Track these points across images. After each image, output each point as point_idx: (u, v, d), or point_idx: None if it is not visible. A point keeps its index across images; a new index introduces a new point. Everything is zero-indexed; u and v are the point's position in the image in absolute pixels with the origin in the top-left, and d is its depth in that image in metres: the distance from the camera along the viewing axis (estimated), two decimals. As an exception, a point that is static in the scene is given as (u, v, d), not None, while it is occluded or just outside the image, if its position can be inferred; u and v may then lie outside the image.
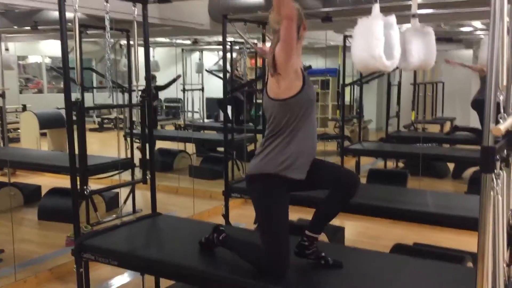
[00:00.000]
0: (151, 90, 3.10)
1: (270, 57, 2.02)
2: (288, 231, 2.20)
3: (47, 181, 6.14)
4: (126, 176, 4.89)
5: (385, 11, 2.94)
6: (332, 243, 3.40)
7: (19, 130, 7.98)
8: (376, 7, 1.83)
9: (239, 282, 2.16)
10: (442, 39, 6.54)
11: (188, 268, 2.32)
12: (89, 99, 10.09)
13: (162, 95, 9.30)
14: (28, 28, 5.12)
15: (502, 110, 1.69)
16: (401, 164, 7.15)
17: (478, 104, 6.20)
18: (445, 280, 2.22)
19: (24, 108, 7.99)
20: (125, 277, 3.62)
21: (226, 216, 3.94)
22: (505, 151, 1.95)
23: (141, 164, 5.40)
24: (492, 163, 1.66)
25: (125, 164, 4.64)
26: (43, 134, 7.81)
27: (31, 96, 11.76)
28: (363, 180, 6.04)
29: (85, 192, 2.99)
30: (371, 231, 4.67)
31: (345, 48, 5.94)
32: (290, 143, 2.13)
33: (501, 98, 1.68)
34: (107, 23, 2.89)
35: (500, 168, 1.87)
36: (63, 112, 8.57)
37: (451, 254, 3.20)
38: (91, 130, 9.75)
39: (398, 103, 7.47)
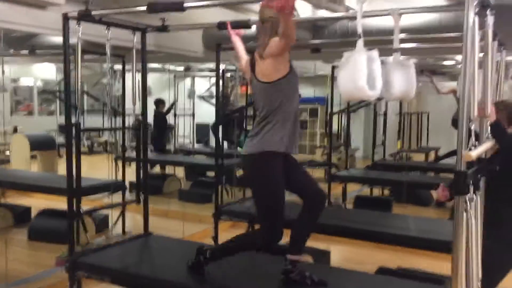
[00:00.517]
0: (147, 114, 3.23)
1: (264, 42, 2.24)
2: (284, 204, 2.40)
3: (36, 202, 6.19)
4: (115, 198, 4.97)
5: (369, 45, 3.14)
6: (319, 264, 3.50)
7: (7, 152, 8.02)
8: (360, 42, 2.00)
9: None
10: (427, 71, 6.80)
11: (179, 285, 2.41)
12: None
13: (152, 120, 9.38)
14: (26, 52, 5.24)
15: (473, 138, 1.85)
16: (386, 192, 7.30)
17: (455, 123, 6.44)
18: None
19: (15, 129, 8.06)
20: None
21: (215, 238, 4.03)
22: (478, 176, 2.11)
23: (131, 187, 5.50)
24: (464, 186, 1.81)
25: (118, 186, 4.72)
26: (33, 156, 7.87)
27: (22, 119, 11.82)
28: (350, 206, 6.19)
29: (81, 211, 3.05)
30: (356, 255, 4.77)
31: (333, 78, 6.14)
32: (285, 123, 2.33)
33: (473, 127, 1.84)
34: (108, 50, 3.04)
35: (474, 193, 2.03)
36: (52, 134, 8.59)
37: (432, 278, 3.32)
38: (81, 153, 9.79)
39: (384, 132, 7.67)
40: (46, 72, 11.32)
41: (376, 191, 7.30)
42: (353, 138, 9.05)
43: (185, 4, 2.28)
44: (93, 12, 2.58)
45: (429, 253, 3.88)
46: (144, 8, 2.34)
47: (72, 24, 2.71)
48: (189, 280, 2.46)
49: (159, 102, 8.12)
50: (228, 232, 5.47)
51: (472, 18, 1.79)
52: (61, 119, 10.50)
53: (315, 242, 4.74)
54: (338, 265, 4.37)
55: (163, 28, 2.91)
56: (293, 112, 2.36)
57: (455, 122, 6.21)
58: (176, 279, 2.47)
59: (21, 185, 5.38)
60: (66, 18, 2.63)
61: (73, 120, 2.81)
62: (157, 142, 8.17)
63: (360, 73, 1.94)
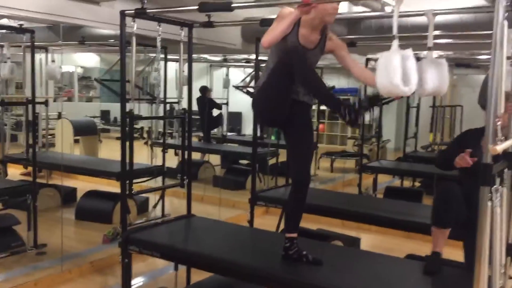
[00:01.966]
0: (191, 103, 3.47)
1: None
2: None
3: (80, 184, 6.57)
4: (152, 182, 5.26)
5: (404, 40, 3.29)
6: (350, 248, 3.68)
7: (49, 136, 8.44)
8: (395, 43, 2.16)
9: (267, 273, 2.48)
10: (462, 64, 6.83)
11: (222, 260, 2.65)
12: (117, 109, 10.56)
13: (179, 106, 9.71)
14: (76, 42, 5.56)
15: (499, 134, 1.99)
16: (417, 184, 7.38)
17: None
18: (450, 282, 2.51)
19: (59, 115, 8.47)
20: (159, 271, 3.98)
21: (251, 222, 4.26)
22: (504, 169, 2.25)
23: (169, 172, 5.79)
24: (489, 177, 1.96)
25: (159, 171, 5.01)
26: (76, 140, 8.27)
27: (63, 104, 12.32)
28: (380, 197, 6.32)
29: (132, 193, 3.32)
30: (385, 244, 4.93)
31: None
32: None
33: (499, 123, 1.98)
34: (158, 43, 3.28)
35: (500, 184, 2.18)
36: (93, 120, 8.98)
37: (459, 265, 3.46)
38: (118, 138, 10.17)
39: (417, 124, 7.73)
40: (86, 59, 11.78)
41: (407, 183, 7.40)
42: (385, 130, 9.10)
43: (233, 5, 2.48)
44: (148, 10, 2.81)
45: (457, 243, 4.02)
46: (195, 7, 2.56)
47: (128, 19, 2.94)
48: (233, 256, 2.70)
49: (205, 90, 8.44)
50: (262, 218, 5.72)
51: (501, 19, 1.93)
52: (104, 106, 10.93)
53: (345, 229, 4.96)
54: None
55: (209, 24, 3.12)
56: None
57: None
58: (219, 255, 2.71)
59: (73, 168, 5.73)
60: (123, 15, 2.87)
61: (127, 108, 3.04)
62: (203, 129, 8.62)
63: (395, 72, 2.09)
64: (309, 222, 5.21)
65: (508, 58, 2.45)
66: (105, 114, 11.31)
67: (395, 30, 2.11)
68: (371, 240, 5.03)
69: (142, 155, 6.29)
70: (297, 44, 2.47)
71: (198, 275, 3.46)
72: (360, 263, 2.76)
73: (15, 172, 6.47)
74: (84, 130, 8.28)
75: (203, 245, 2.91)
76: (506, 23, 1.96)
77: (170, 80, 6.16)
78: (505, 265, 2.66)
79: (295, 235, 2.65)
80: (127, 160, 3.10)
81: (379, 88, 2.16)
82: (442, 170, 3.28)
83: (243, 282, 2.93)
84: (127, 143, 3.11)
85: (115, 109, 10.78)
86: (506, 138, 2.26)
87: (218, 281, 3.17)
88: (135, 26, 2.97)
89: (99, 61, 11.41)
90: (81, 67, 12.60)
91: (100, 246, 4.50)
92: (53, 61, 6.28)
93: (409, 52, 2.22)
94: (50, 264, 3.97)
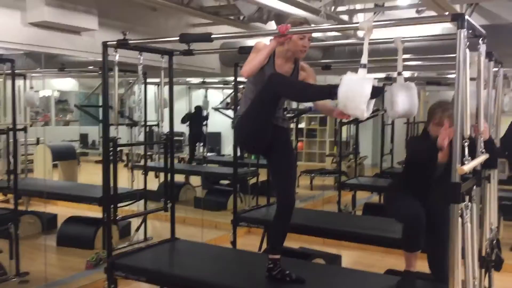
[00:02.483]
0: (173, 128, 3.56)
1: None
2: None
3: (60, 210, 6.53)
4: (134, 206, 5.28)
5: (376, 63, 3.43)
6: (332, 265, 3.77)
7: (28, 162, 8.36)
8: (362, 71, 2.28)
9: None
10: (433, 82, 7.08)
11: (208, 283, 2.72)
12: (95, 133, 10.56)
13: (165, 129, 9.84)
14: (56, 69, 5.59)
15: (466, 154, 2.13)
16: (395, 199, 7.52)
17: None
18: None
19: (38, 141, 8.42)
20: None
21: (234, 243, 4.32)
22: (474, 186, 2.39)
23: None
24: (458, 195, 2.09)
25: (141, 195, 5.04)
26: (54, 165, 8.22)
27: (40, 129, 12.21)
28: (359, 213, 6.45)
29: (117, 218, 3.36)
30: (366, 260, 5.04)
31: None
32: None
33: (466, 144, 2.13)
34: (140, 71, 3.37)
35: (470, 201, 2.31)
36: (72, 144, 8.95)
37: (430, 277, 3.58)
38: (97, 161, 10.14)
39: (392, 141, 7.94)
40: (62, 83, 11.74)
41: (385, 199, 7.55)
42: (361, 147, 9.30)
43: (213, 36, 2.60)
44: (130, 41, 2.90)
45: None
46: (176, 38, 2.66)
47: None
48: (219, 279, 2.77)
49: (201, 108, 8.81)
50: (244, 238, 5.78)
51: (463, 49, 2.08)
52: (82, 129, 10.86)
53: (326, 247, 5.05)
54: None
55: (189, 52, 3.23)
56: None
57: None
58: (205, 278, 2.78)
59: (55, 195, 5.70)
60: (105, 46, 2.96)
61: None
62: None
63: (363, 98, 2.22)
64: (291, 241, 5.28)
65: (471, 79, 2.63)
66: (83, 138, 11.26)
67: (364, 60, 2.23)
68: (352, 256, 5.13)
69: (122, 178, 6.30)
70: (274, 72, 2.60)
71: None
72: (341, 281, 2.85)
73: (-7, 200, 6.42)
74: (63, 155, 8.24)
75: (189, 268, 2.97)
76: (467, 51, 2.12)
77: (149, 102, 6.24)
78: (480, 277, 2.80)
79: (278, 256, 2.74)
80: (111, 185, 3.14)
81: (341, 107, 2.26)
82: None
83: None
84: (111, 169, 3.15)
85: (93, 132, 10.75)
86: (473, 157, 2.41)
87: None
88: (117, 56, 3.05)
89: (75, 85, 11.39)
90: (58, 90, 12.55)
91: (83, 272, 4.49)
92: (31, 87, 6.29)
93: (375, 81, 2.34)
94: (34, 293, 3.96)
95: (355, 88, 2.24)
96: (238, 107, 2.79)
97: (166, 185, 3.46)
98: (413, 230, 2.76)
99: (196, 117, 9.16)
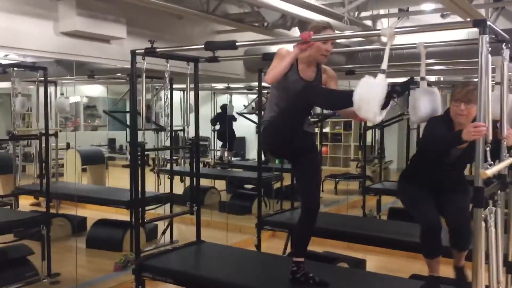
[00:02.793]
0: (199, 133, 3.64)
1: None
2: None
3: (88, 213, 6.70)
4: (160, 209, 5.39)
5: (400, 68, 3.44)
6: (356, 269, 3.77)
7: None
8: (381, 76, 2.31)
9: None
10: (458, 86, 7.00)
11: (233, 285, 2.78)
12: (122, 138, 10.76)
13: (190, 133, 10.04)
14: (85, 76, 5.77)
15: (489, 159, 2.14)
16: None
17: None
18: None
19: (68, 146, 8.66)
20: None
21: (258, 246, 4.37)
22: (498, 191, 2.39)
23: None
24: (481, 199, 2.10)
25: (168, 198, 5.15)
26: (83, 169, 8.43)
27: (70, 134, 12.53)
28: (384, 218, 6.42)
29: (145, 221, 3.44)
30: (390, 264, 5.02)
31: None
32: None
33: (488, 148, 2.13)
34: (167, 78, 3.47)
35: (494, 205, 2.31)
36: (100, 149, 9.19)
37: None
38: (124, 166, 10.33)
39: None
40: (90, 89, 12.04)
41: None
42: (387, 151, 9.24)
43: (237, 43, 2.66)
44: (157, 49, 3.00)
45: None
46: (202, 46, 2.74)
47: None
48: (246, 282, 2.83)
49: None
50: (268, 242, 5.83)
51: (485, 54, 2.10)
52: (110, 134, 11.12)
53: (351, 251, 5.06)
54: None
55: (214, 59, 3.31)
56: None
57: None
58: (231, 280, 2.84)
59: (86, 198, 5.89)
60: (134, 54, 3.06)
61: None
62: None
63: (376, 102, 2.25)
64: (315, 245, 5.30)
65: (497, 83, 2.63)
66: (111, 143, 11.51)
67: (384, 66, 2.26)
68: (376, 261, 5.12)
69: (149, 182, 6.42)
70: (299, 78, 2.65)
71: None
72: (366, 285, 2.88)
73: (24, 203, 6.62)
74: (92, 160, 8.44)
75: (214, 270, 3.04)
76: (489, 56, 2.13)
77: (175, 108, 6.35)
78: (506, 283, 2.78)
79: (302, 259, 2.79)
80: (139, 189, 3.23)
81: (355, 108, 2.30)
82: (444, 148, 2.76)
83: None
84: (139, 173, 3.24)
85: (120, 137, 10.98)
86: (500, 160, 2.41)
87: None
88: (145, 64, 3.15)
89: (103, 91, 11.65)
90: (86, 96, 12.85)
91: (111, 274, 4.61)
92: (62, 94, 6.49)
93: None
94: (66, 293, 4.09)
95: (369, 91, 2.28)
96: (264, 112, 2.84)
97: (192, 189, 3.54)
98: (429, 238, 2.72)
99: (222, 116, 9.37)
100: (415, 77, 2.59)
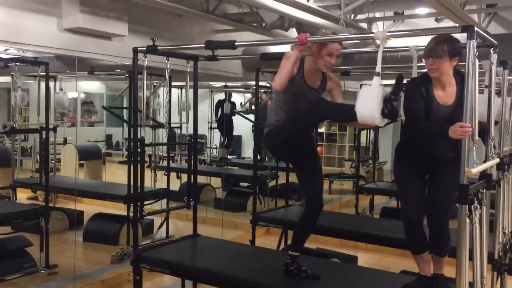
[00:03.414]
0: (197, 130, 3.74)
1: None
2: None
3: (85, 207, 6.78)
4: (156, 205, 5.48)
5: (394, 70, 3.55)
6: (348, 263, 3.87)
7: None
8: (377, 79, 2.42)
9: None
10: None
11: (228, 276, 2.88)
12: (119, 134, 10.82)
13: (187, 131, 10.11)
14: (85, 72, 5.85)
15: (475, 158, 2.25)
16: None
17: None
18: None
19: (65, 141, 8.73)
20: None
21: (253, 242, 4.47)
22: (482, 189, 2.50)
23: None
24: (466, 197, 2.20)
25: (165, 193, 5.24)
26: (80, 165, 8.50)
27: (67, 130, 12.58)
28: (376, 217, 6.53)
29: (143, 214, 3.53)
30: (381, 262, 5.13)
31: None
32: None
33: (474, 148, 2.24)
34: (167, 75, 3.56)
35: (479, 203, 2.42)
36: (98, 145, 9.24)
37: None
38: (120, 162, 10.39)
39: (411, 146, 7.97)
40: (88, 85, 12.10)
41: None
42: (381, 152, 9.35)
43: (237, 43, 2.76)
44: (159, 47, 3.09)
45: (450, 260, 4.21)
46: (202, 45, 2.84)
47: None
48: (240, 272, 2.94)
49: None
50: (263, 238, 5.93)
51: (472, 58, 2.20)
52: (108, 131, 11.17)
53: (343, 248, 5.17)
54: (364, 268, 4.76)
55: (213, 58, 3.40)
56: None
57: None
58: (226, 271, 2.95)
59: (84, 192, 5.95)
60: (135, 51, 3.15)
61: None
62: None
63: (376, 106, 2.36)
64: (308, 241, 5.41)
65: (485, 86, 2.74)
66: (107, 139, 11.57)
67: (378, 68, 2.37)
68: (367, 258, 5.23)
69: (145, 178, 6.51)
70: (305, 84, 2.77)
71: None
72: (356, 278, 2.98)
73: (20, 196, 6.69)
74: (89, 155, 8.51)
75: (210, 262, 3.14)
76: (477, 60, 2.24)
77: (172, 105, 6.44)
78: (492, 281, 2.89)
79: (297, 253, 2.91)
80: (139, 184, 3.33)
81: (358, 117, 2.42)
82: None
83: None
84: (138, 167, 3.34)
85: (117, 133, 11.03)
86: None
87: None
88: (146, 61, 3.24)
89: (100, 87, 11.71)
90: (84, 92, 12.89)
91: (108, 266, 4.70)
92: (61, 89, 6.57)
93: (388, 89, 2.49)
94: (63, 284, 4.17)
95: (367, 98, 2.39)
96: (268, 115, 2.93)
97: (189, 184, 3.64)
98: (409, 233, 2.75)
99: (223, 104, 9.49)
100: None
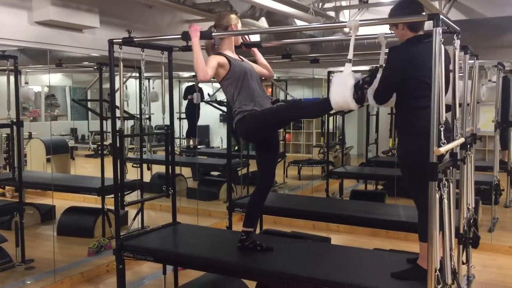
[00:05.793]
0: (173, 121, 3.79)
1: None
2: None
3: (55, 202, 6.70)
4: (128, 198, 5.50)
5: (361, 56, 3.68)
6: (323, 243, 4.03)
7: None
8: (348, 66, 2.56)
9: (253, 269, 2.83)
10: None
11: (209, 259, 2.99)
12: (84, 127, 10.66)
13: (154, 122, 10.09)
14: (53, 65, 5.75)
15: (442, 138, 2.41)
16: (380, 186, 7.87)
17: None
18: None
19: (30, 136, 8.56)
20: (148, 277, 4.26)
21: (230, 227, 4.57)
22: (449, 167, 2.68)
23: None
24: (435, 174, 2.37)
25: (140, 185, 5.28)
26: (47, 159, 8.37)
27: (31, 124, 12.28)
28: (346, 199, 6.76)
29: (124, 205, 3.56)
30: (353, 242, 5.34)
31: (329, 81, 6.72)
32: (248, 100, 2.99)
33: (442, 128, 2.40)
34: (142, 67, 3.59)
35: (447, 180, 2.60)
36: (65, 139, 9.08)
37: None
38: (87, 156, 10.27)
39: (377, 131, 8.25)
40: (51, 79, 11.82)
41: (370, 186, 7.89)
42: (347, 137, 9.58)
43: (213, 34, 2.83)
44: (135, 39, 3.12)
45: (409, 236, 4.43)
46: (179, 36, 2.89)
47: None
48: (222, 256, 3.06)
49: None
50: (238, 225, 6.04)
51: (438, 44, 2.35)
52: (72, 124, 10.98)
53: (316, 231, 5.34)
54: (338, 249, 4.95)
55: (188, 48, 3.45)
56: (248, 91, 3.00)
57: None
58: (206, 255, 3.07)
59: (56, 186, 5.84)
60: (111, 43, 3.17)
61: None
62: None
63: (348, 92, 2.52)
64: (282, 225, 5.58)
65: (450, 71, 2.91)
66: (73, 132, 11.38)
67: (350, 55, 2.50)
68: (340, 239, 5.43)
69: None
70: (230, 59, 3.00)
71: (185, 278, 3.77)
72: (332, 255, 3.13)
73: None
74: (56, 149, 8.39)
75: (192, 248, 3.23)
76: (442, 46, 2.39)
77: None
78: (458, 254, 3.09)
79: (251, 229, 3.18)
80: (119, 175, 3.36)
81: (333, 105, 2.58)
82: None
83: (226, 279, 3.30)
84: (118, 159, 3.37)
85: (82, 126, 10.87)
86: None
87: (203, 282, 3.49)
88: (122, 53, 3.26)
89: (63, 80, 11.48)
90: (47, 86, 12.60)
91: (86, 258, 4.72)
92: (26, 83, 6.45)
93: (358, 75, 2.64)
94: (42, 277, 4.17)
95: (340, 86, 2.55)
96: (235, 102, 3.04)
97: (168, 173, 3.70)
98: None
99: (192, 90, 9.46)
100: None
